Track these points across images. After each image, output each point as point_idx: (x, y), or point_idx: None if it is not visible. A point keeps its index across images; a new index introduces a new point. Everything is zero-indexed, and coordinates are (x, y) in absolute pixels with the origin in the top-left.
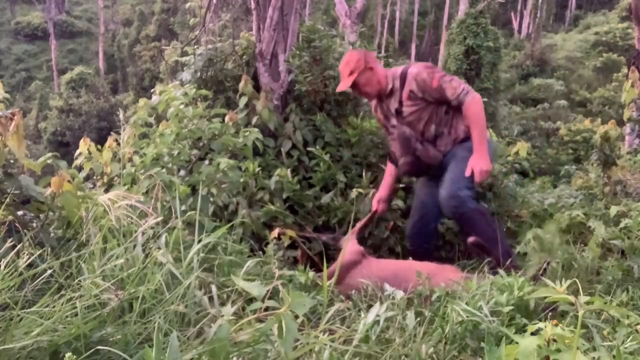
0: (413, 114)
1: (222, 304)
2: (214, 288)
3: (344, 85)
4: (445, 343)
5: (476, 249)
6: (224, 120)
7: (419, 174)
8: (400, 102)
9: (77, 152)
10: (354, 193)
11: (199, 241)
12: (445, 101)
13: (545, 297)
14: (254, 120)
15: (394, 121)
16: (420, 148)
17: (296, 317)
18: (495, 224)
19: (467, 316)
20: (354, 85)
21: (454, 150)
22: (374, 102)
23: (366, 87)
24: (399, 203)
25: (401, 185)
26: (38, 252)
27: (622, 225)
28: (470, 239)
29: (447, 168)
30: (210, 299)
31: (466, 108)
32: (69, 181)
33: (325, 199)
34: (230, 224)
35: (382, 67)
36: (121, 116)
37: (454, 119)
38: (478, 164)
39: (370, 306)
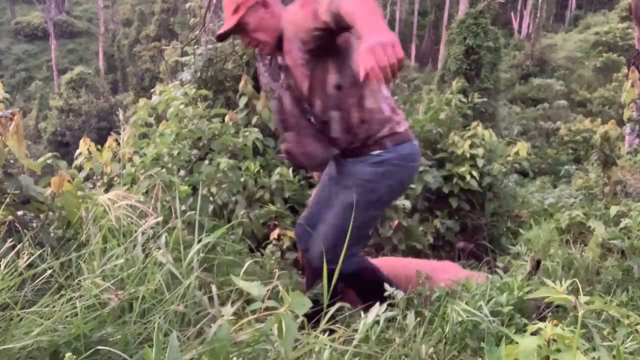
0: (297, 68)
1: (222, 304)
2: (214, 288)
3: (225, 26)
4: (445, 343)
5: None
6: (224, 120)
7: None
8: (283, 53)
9: (77, 152)
10: None
11: (199, 241)
12: (324, 29)
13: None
14: (254, 120)
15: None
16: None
17: (296, 317)
18: (380, 279)
19: (467, 316)
20: (242, 29)
21: (354, 167)
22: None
23: (258, 33)
24: (404, 202)
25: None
26: (38, 252)
27: (622, 225)
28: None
29: (336, 199)
30: (210, 299)
31: (344, 3)
32: (68, 181)
33: None
34: (230, 224)
35: (283, 8)
36: (121, 116)
37: (348, 99)
38: (375, 43)
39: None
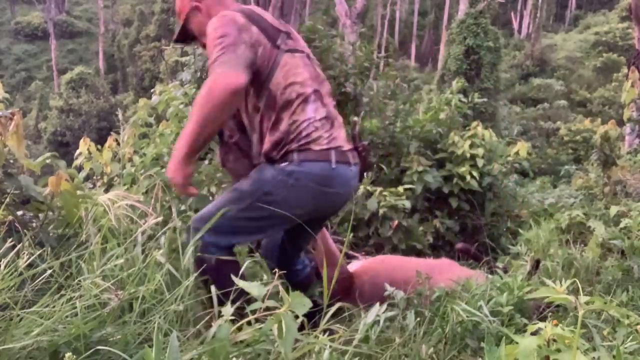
0: None
1: (222, 303)
2: (213, 288)
3: (176, 35)
4: (445, 343)
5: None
6: None
7: None
8: None
9: (77, 152)
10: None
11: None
12: None
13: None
14: None
15: None
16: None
17: (296, 317)
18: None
19: (467, 316)
20: (192, 35)
21: (262, 166)
22: None
23: (203, 38)
24: (404, 202)
25: (407, 186)
26: (38, 252)
27: (622, 225)
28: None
29: None
30: (210, 299)
31: (206, 81)
32: (67, 180)
33: None
34: None
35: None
36: (121, 116)
37: (264, 121)
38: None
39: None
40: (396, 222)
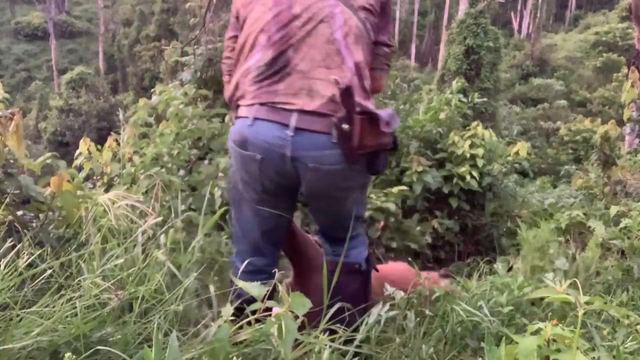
0: None
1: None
2: (211, 288)
3: None
4: (445, 343)
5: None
6: (224, 120)
7: None
8: None
9: (77, 152)
10: None
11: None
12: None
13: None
14: None
15: None
16: None
17: (296, 317)
18: None
19: (467, 316)
20: None
21: None
22: None
23: None
24: (389, 205)
25: (402, 187)
26: (38, 252)
27: (622, 225)
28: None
29: None
30: (210, 299)
31: None
32: (68, 181)
33: None
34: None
35: None
36: (121, 116)
37: None
38: None
39: None
40: (382, 223)
